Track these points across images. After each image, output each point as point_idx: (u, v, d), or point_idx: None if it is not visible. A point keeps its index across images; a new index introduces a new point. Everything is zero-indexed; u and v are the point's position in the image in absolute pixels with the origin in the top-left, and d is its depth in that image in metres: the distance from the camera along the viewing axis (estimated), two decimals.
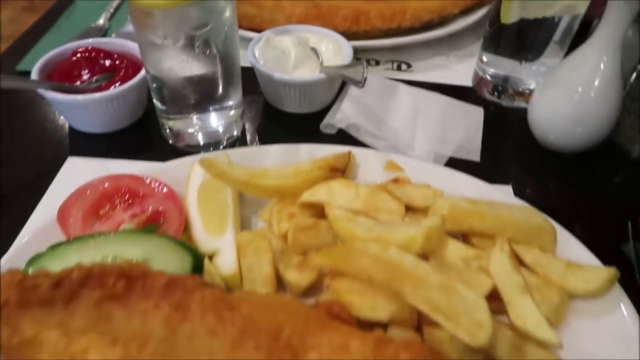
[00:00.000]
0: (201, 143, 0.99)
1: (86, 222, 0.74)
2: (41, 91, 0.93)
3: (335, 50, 1.09)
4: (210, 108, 0.96)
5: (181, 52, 0.88)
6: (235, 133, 1.02)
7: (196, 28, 0.84)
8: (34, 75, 0.96)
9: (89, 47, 1.01)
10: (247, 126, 1.06)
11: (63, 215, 0.74)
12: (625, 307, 0.69)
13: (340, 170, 0.82)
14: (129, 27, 1.29)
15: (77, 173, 0.93)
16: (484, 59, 1.17)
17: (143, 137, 1.03)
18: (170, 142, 1.00)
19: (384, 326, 0.67)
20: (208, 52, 0.88)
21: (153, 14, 0.82)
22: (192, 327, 0.58)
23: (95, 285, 0.59)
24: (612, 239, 0.86)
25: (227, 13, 0.86)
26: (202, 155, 0.82)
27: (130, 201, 0.78)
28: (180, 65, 0.89)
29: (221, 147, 1.00)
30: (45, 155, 0.99)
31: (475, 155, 1.02)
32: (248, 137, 1.05)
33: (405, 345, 0.58)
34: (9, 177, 0.95)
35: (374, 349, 0.59)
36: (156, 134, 1.02)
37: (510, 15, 1.03)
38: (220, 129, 1.00)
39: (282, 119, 1.08)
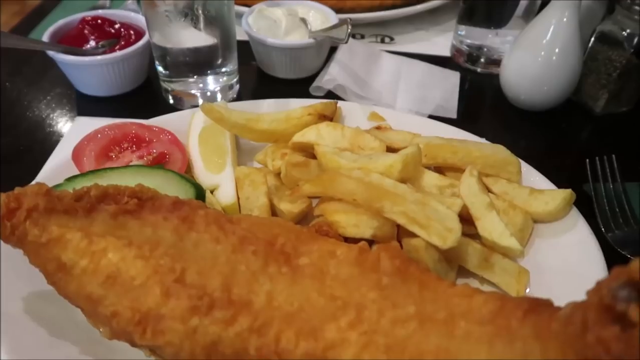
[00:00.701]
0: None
1: (98, 161, 0.82)
2: (51, 53, 1.01)
3: (322, 20, 1.18)
4: (209, 72, 1.05)
5: (183, 18, 0.96)
6: (231, 96, 1.11)
7: None
8: (45, 39, 1.04)
9: (96, 16, 1.09)
10: (242, 91, 1.14)
11: (77, 154, 0.81)
12: (580, 225, 0.77)
13: (328, 118, 0.90)
14: (130, 6, 1.37)
15: (85, 130, 1.00)
16: (460, 31, 1.27)
17: (145, 100, 1.11)
18: (172, 103, 1.08)
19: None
20: (207, 17, 0.97)
21: None
22: (198, 235, 0.66)
23: (111, 201, 0.67)
24: (576, 181, 0.95)
25: None
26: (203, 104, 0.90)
27: (137, 145, 0.86)
28: (182, 31, 0.98)
29: None
30: (55, 116, 1.07)
31: (452, 113, 1.11)
32: (243, 100, 1.13)
33: (385, 248, 0.66)
34: (24, 135, 1.02)
35: (358, 255, 0.67)
36: (158, 97, 1.10)
37: None
38: (218, 92, 1.08)
39: (274, 84, 1.17)
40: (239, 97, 1.12)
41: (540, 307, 0.53)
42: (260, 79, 1.19)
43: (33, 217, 0.61)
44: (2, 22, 4.07)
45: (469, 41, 1.25)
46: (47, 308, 0.67)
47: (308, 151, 0.88)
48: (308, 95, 1.13)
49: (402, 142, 0.86)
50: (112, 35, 1.10)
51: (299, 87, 1.14)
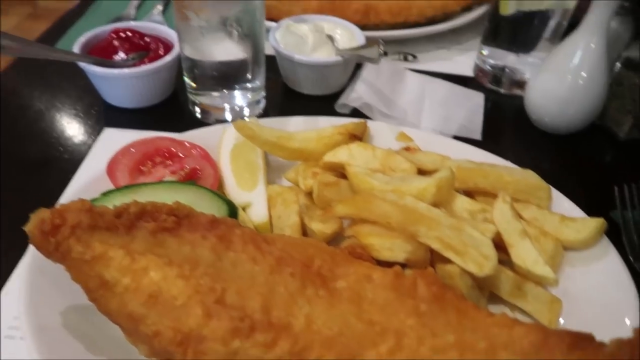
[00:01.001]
0: (228, 119, 1.08)
1: (132, 175, 0.82)
2: (82, 64, 1.02)
3: (349, 37, 1.19)
4: (237, 87, 1.06)
5: (215, 33, 0.97)
6: (258, 111, 1.11)
7: (229, 10, 0.94)
8: (76, 50, 1.04)
9: (127, 28, 1.10)
10: (268, 106, 1.15)
11: (112, 169, 0.82)
12: (612, 254, 0.78)
13: (358, 137, 0.91)
14: (155, 17, 1.39)
15: (113, 141, 1.01)
16: (484, 51, 1.27)
17: (172, 112, 1.12)
18: (198, 116, 1.09)
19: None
20: (238, 33, 0.98)
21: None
22: (236, 255, 0.67)
23: (149, 218, 0.68)
24: (602, 208, 0.95)
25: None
26: (233, 121, 0.91)
27: (169, 160, 0.86)
28: (213, 45, 0.99)
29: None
30: (83, 126, 1.07)
31: (476, 134, 1.11)
32: (269, 115, 1.14)
33: (422, 274, 0.67)
34: (52, 144, 1.03)
35: (394, 279, 0.67)
36: (184, 109, 1.11)
37: (508, 7, 1.13)
38: (245, 107, 1.09)
39: (300, 100, 1.18)
40: (266, 112, 1.13)
41: (584, 342, 0.54)
42: (285, 94, 1.20)
43: (77, 234, 0.61)
44: (14, 25, 4.11)
45: (492, 62, 1.26)
46: (83, 323, 0.67)
47: (338, 171, 0.88)
48: (333, 111, 1.14)
49: (432, 165, 0.87)
50: (141, 47, 1.10)
51: (324, 104, 1.15)
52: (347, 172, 0.83)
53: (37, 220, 0.61)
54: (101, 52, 1.09)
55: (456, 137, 1.08)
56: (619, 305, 0.72)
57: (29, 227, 0.61)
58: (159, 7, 1.43)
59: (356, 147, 0.86)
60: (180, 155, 0.87)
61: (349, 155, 0.85)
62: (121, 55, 1.09)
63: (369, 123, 0.97)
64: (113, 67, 1.04)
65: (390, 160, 0.85)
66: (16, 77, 1.20)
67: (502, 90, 1.26)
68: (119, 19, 1.36)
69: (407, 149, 0.93)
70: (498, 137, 1.14)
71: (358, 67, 1.21)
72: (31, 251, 0.70)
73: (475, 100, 1.19)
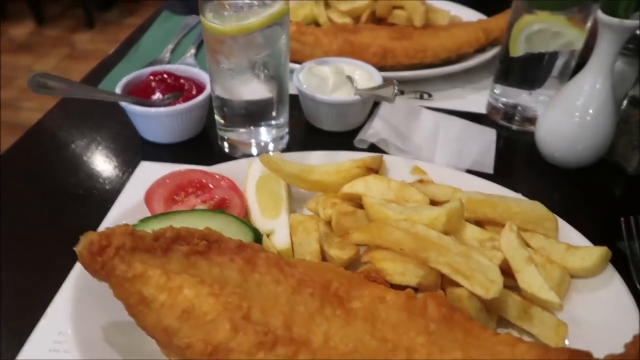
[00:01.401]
0: (254, 154, 1.16)
1: (167, 204, 0.90)
2: (123, 104, 1.12)
3: (367, 78, 1.27)
4: (263, 124, 1.14)
5: (243, 75, 1.06)
6: (281, 146, 1.19)
7: (257, 53, 1.03)
8: (118, 91, 1.15)
9: (163, 71, 1.20)
10: (291, 141, 1.23)
11: (149, 198, 0.90)
12: (617, 281, 0.81)
13: (374, 170, 0.98)
14: (188, 59, 1.50)
15: (148, 173, 1.10)
16: (496, 90, 1.34)
17: (202, 146, 1.21)
18: (227, 151, 1.18)
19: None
20: (265, 75, 1.07)
21: (224, 40, 1.01)
22: (260, 277, 0.73)
23: (183, 242, 0.75)
24: (610, 238, 0.98)
25: (283, 42, 1.05)
26: (259, 155, 0.99)
27: (200, 190, 0.94)
28: (242, 85, 1.08)
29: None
30: (122, 159, 1.17)
31: (488, 169, 1.17)
32: (292, 150, 1.22)
33: (432, 296, 0.72)
34: (94, 176, 1.12)
35: (406, 301, 0.73)
36: (213, 144, 1.20)
37: (518, 49, 1.20)
38: (270, 142, 1.17)
39: (321, 136, 1.25)
40: (289, 147, 1.21)
41: (581, 357, 0.58)
42: (307, 130, 1.28)
43: (120, 254, 0.69)
44: (54, 65, 4.37)
45: (504, 99, 1.33)
46: (123, 337, 0.74)
47: (356, 201, 0.95)
48: (351, 146, 1.21)
49: (444, 196, 0.93)
50: (176, 88, 1.21)
51: (344, 139, 1.22)
52: (363, 202, 0.90)
53: (86, 241, 0.69)
54: (140, 92, 1.19)
55: (469, 171, 1.14)
56: (623, 330, 0.75)
57: (78, 248, 0.69)
58: (192, 51, 1.55)
59: (372, 179, 0.92)
60: (211, 186, 0.95)
61: (366, 186, 0.92)
62: (158, 95, 1.19)
63: (385, 157, 1.04)
64: (151, 106, 1.14)
65: (404, 192, 0.91)
66: (62, 114, 1.32)
67: (514, 127, 1.32)
68: (155, 62, 1.48)
69: (421, 181, 0.99)
70: (510, 170, 1.19)
71: (375, 104, 1.29)
72: (77, 270, 0.78)
73: (488, 136, 1.25)
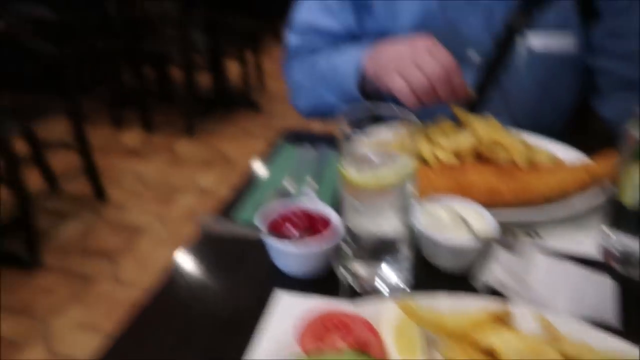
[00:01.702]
0: (381, 290, 1.26)
1: (316, 342, 0.99)
2: (265, 240, 1.27)
3: (478, 218, 1.36)
4: (388, 259, 1.25)
5: (375, 216, 1.19)
6: (405, 283, 1.28)
7: (389, 198, 1.17)
8: (259, 225, 1.31)
9: (294, 208, 1.36)
10: (413, 278, 1.31)
11: (300, 336, 1.00)
12: None
13: (503, 321, 1.03)
14: (308, 191, 1.67)
15: (284, 304, 1.21)
16: (609, 233, 1.38)
17: (329, 280, 1.31)
18: (352, 284, 1.28)
19: None
20: (393, 213, 1.20)
21: (362, 191, 1.16)
22: None
23: None
24: None
25: (409, 189, 1.18)
26: (394, 297, 1.07)
27: (342, 329, 1.03)
28: (371, 223, 1.21)
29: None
30: (258, 287, 1.30)
31: (611, 320, 1.18)
32: (414, 285, 1.30)
33: None
34: (231, 305, 1.25)
35: None
36: (339, 278, 1.31)
37: (631, 196, 1.26)
38: (395, 278, 1.26)
39: (439, 276, 1.33)
40: (410, 285, 1.29)
41: None
42: (425, 267, 1.36)
43: None
44: (158, 169, 4.81)
45: (618, 246, 1.35)
46: None
47: (484, 349, 1.00)
48: (467, 285, 1.27)
49: (578, 356, 0.96)
50: (306, 223, 1.35)
51: (462, 280, 1.29)
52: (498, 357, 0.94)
53: None
54: (274, 226, 1.34)
55: (587, 319, 1.16)
56: None
57: None
58: (311, 182, 1.71)
59: (508, 334, 0.98)
60: (350, 325, 1.04)
61: (499, 339, 0.97)
62: (291, 230, 1.33)
63: (511, 306, 1.09)
64: (288, 242, 1.28)
65: (539, 351, 0.95)
66: (202, 248, 1.47)
67: (634, 275, 1.32)
68: (278, 192, 1.65)
69: (553, 337, 1.03)
70: (638, 325, 1.19)
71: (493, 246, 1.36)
72: None
73: (605, 284, 1.27)
